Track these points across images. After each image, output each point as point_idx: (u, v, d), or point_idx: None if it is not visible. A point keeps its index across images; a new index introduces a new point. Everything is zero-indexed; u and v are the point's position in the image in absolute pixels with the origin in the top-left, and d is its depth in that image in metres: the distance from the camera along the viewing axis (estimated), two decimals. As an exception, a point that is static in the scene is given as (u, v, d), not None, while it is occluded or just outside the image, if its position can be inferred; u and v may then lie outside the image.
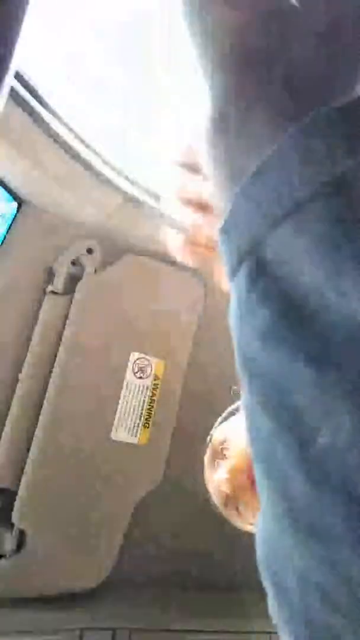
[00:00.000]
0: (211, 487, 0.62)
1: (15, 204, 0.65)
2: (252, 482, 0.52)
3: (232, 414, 0.61)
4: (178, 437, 0.74)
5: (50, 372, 0.68)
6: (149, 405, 0.72)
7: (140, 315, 0.71)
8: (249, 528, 0.60)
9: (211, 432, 0.61)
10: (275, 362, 0.13)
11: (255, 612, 0.76)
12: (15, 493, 0.66)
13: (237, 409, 0.60)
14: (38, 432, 0.67)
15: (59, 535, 0.68)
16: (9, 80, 0.25)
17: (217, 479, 0.57)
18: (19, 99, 0.53)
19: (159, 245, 0.71)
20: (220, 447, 0.58)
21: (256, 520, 0.48)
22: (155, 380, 0.71)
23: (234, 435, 0.57)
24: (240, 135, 0.15)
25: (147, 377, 0.72)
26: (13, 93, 0.52)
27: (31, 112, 0.55)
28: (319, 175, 0.13)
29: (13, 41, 0.23)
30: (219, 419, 0.61)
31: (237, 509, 0.58)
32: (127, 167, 0.66)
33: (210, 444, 0.61)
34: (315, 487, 0.12)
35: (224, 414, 0.61)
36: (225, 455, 0.57)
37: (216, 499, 0.61)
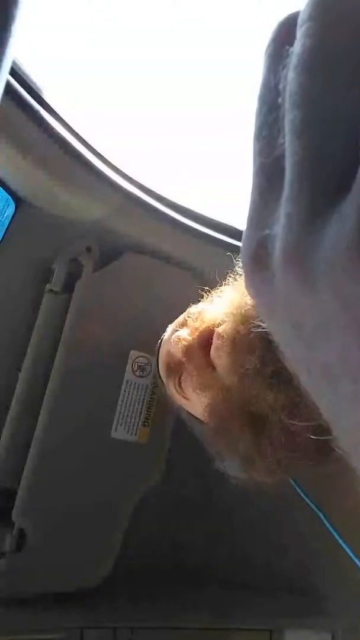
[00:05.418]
0: (164, 349, 0.62)
1: (13, 203, 0.65)
2: (205, 351, 0.52)
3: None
4: (178, 436, 0.74)
5: (50, 370, 0.68)
6: (149, 404, 0.72)
7: (140, 314, 0.71)
8: (183, 402, 0.60)
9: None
10: None
11: (257, 609, 0.76)
12: (15, 492, 0.67)
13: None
14: (38, 431, 0.67)
15: (59, 534, 0.68)
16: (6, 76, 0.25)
17: (177, 335, 0.56)
18: (16, 97, 0.53)
19: (159, 243, 0.72)
20: (192, 316, 0.58)
21: (192, 391, 0.50)
22: (155, 378, 0.71)
23: (209, 308, 0.57)
24: None
25: (146, 376, 0.72)
26: (11, 91, 0.52)
27: (30, 110, 0.55)
28: None
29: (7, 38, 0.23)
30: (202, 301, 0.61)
31: (178, 379, 0.58)
32: (127, 167, 0.66)
33: (184, 313, 0.60)
34: None
35: (207, 298, 0.61)
36: (195, 319, 0.57)
37: (162, 363, 0.61)
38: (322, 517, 0.58)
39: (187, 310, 0.60)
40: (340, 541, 0.56)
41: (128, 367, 0.71)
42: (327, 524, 0.57)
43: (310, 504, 0.58)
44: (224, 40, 0.77)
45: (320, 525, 0.59)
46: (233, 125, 0.75)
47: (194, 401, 0.57)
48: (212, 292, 0.60)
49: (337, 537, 0.57)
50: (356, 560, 0.55)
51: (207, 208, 0.72)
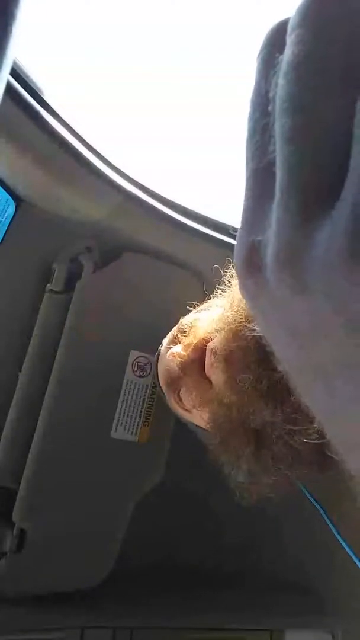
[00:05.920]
0: (162, 365, 0.62)
1: (14, 203, 0.65)
2: (201, 365, 0.52)
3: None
4: (178, 436, 0.74)
5: (50, 370, 0.68)
6: (149, 404, 0.72)
7: (140, 314, 0.72)
8: (185, 414, 0.60)
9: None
10: None
11: (257, 609, 0.76)
12: (15, 492, 0.66)
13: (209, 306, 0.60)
14: (38, 431, 0.67)
15: (60, 534, 0.68)
16: (6, 75, 0.25)
17: (171, 352, 0.57)
18: (17, 97, 0.53)
19: (159, 243, 0.72)
20: (186, 328, 0.58)
21: (192, 407, 0.50)
22: (155, 378, 0.71)
23: (202, 319, 0.57)
24: None
25: (147, 376, 0.72)
26: (11, 91, 0.52)
27: (30, 110, 0.55)
28: None
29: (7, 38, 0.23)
30: (193, 312, 0.62)
31: (177, 393, 0.58)
32: (127, 167, 0.66)
33: (175, 327, 0.60)
34: None
35: (197, 309, 0.61)
36: (186, 334, 0.57)
37: (162, 379, 0.62)
38: (326, 518, 0.58)
39: (179, 323, 0.61)
40: (343, 541, 0.56)
41: (128, 367, 0.71)
42: (330, 525, 0.58)
43: (315, 504, 0.58)
44: (224, 40, 0.77)
45: (321, 526, 0.59)
46: (233, 125, 0.75)
47: (195, 414, 0.57)
48: (202, 303, 0.61)
49: (340, 537, 0.57)
50: (357, 560, 0.55)
51: (207, 208, 0.72)
